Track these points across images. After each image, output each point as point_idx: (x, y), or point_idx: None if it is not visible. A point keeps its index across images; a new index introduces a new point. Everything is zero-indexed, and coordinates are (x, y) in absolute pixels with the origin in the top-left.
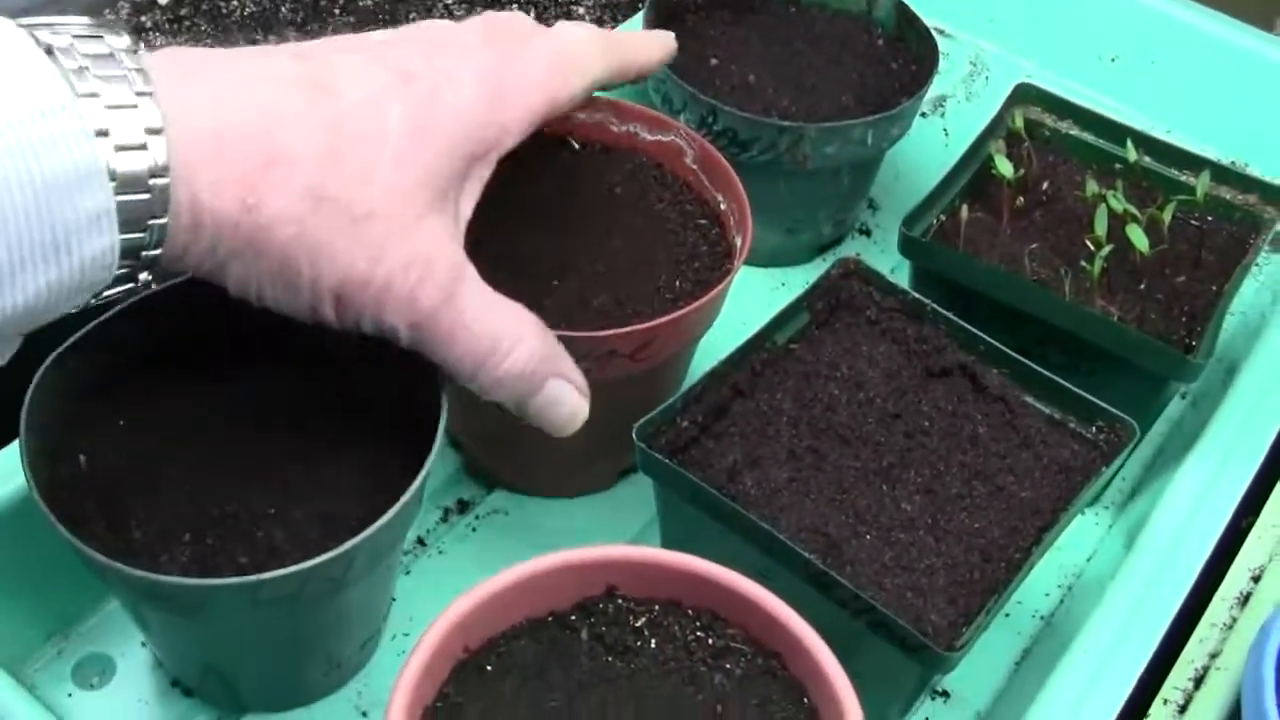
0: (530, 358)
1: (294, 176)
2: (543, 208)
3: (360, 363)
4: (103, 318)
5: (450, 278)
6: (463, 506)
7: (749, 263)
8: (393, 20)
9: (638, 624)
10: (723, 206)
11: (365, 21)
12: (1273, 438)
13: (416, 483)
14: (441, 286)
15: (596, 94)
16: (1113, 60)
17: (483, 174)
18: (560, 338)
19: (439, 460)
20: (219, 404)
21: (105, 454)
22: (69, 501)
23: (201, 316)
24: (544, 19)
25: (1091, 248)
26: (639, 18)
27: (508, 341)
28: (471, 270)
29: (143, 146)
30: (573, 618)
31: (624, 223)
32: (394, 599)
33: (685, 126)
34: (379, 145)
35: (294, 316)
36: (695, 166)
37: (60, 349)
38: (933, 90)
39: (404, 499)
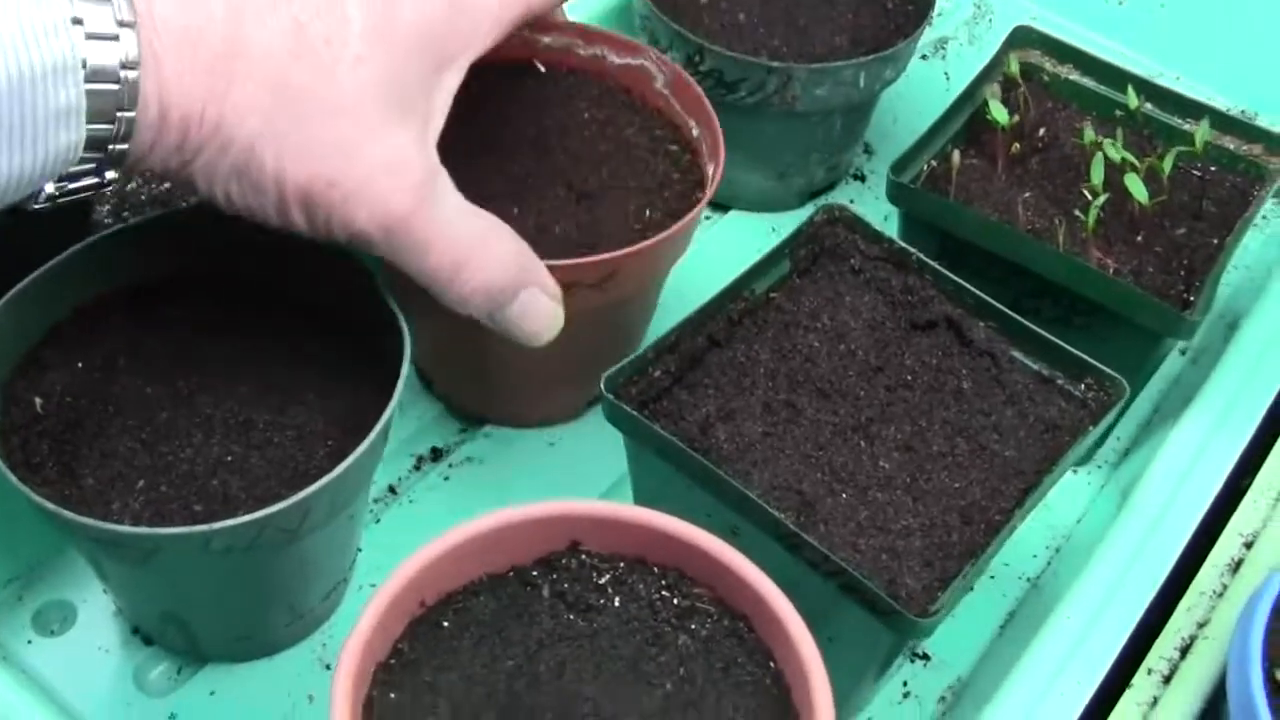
0: (505, 267)
1: (258, 69)
2: (504, 132)
3: (325, 304)
4: (55, 261)
5: (424, 181)
6: (436, 454)
7: (739, 207)
8: None
9: (601, 581)
10: (695, 133)
11: None
12: (1273, 397)
13: (373, 434)
14: (416, 190)
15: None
16: (1120, 2)
17: (452, 82)
18: None
19: (413, 406)
20: (179, 347)
21: (60, 398)
22: (23, 446)
23: (159, 258)
24: None
25: (1089, 197)
26: None
27: (482, 250)
28: (445, 177)
29: (114, 38)
30: (534, 573)
31: (590, 149)
32: (360, 549)
33: (656, 51)
34: (341, 45)
35: (263, 221)
36: (666, 92)
37: (12, 292)
38: (935, 32)
39: (360, 449)
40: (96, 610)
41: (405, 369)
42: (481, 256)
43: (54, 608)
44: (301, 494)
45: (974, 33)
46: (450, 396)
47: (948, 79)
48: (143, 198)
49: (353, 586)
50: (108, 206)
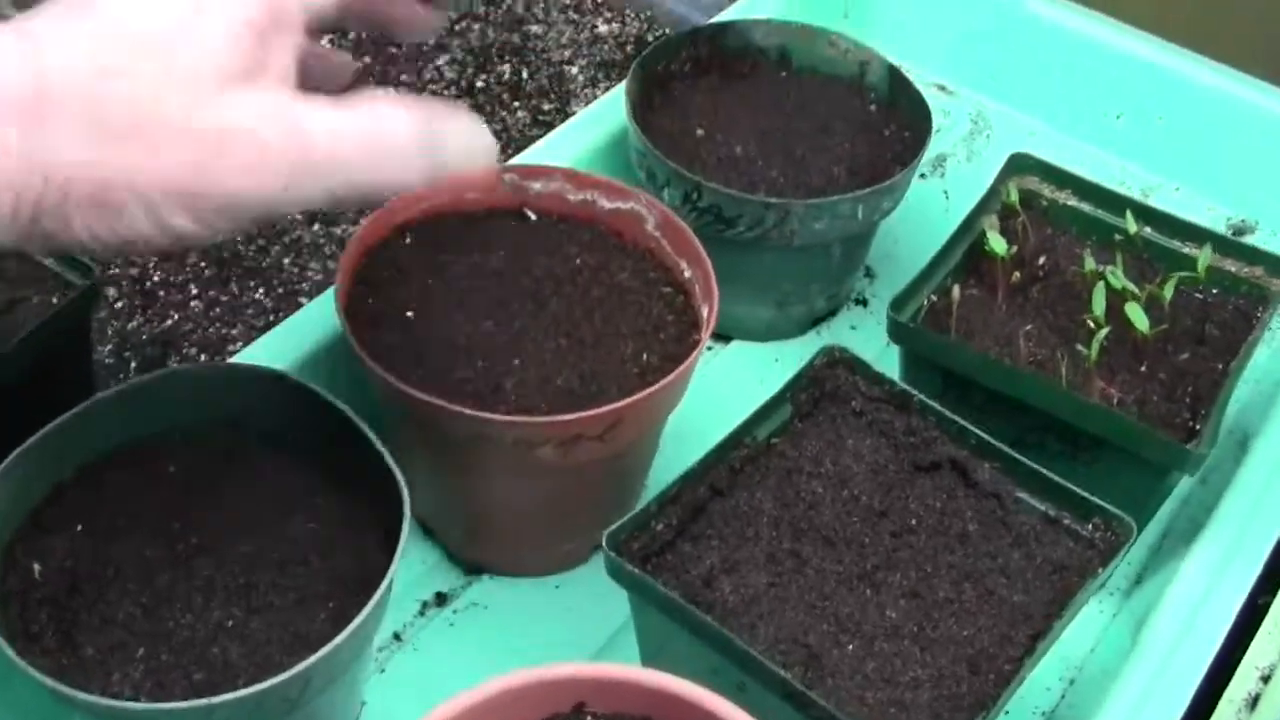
0: (418, 112)
1: (68, 104)
2: (498, 283)
3: (325, 456)
4: (58, 421)
5: (286, 112)
6: (441, 599)
7: (740, 337)
8: (382, 81)
9: None
10: (687, 274)
11: (356, 81)
12: None
13: (371, 602)
14: (286, 125)
15: (551, 164)
16: (1118, 118)
17: (285, 43)
18: (520, 425)
19: (416, 549)
20: (180, 505)
21: (60, 562)
22: (21, 614)
23: (160, 414)
24: (535, 78)
25: (1091, 325)
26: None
27: (385, 112)
28: (305, 101)
29: None
30: None
31: (585, 295)
32: (364, 702)
33: (646, 193)
34: (149, 43)
35: (166, 251)
36: (657, 234)
37: (10, 457)
38: (933, 149)
39: (358, 619)
40: None
41: (405, 531)
42: (390, 117)
43: None
44: (302, 665)
45: (972, 148)
46: (452, 547)
47: (947, 197)
48: (143, 336)
49: None
50: (109, 346)
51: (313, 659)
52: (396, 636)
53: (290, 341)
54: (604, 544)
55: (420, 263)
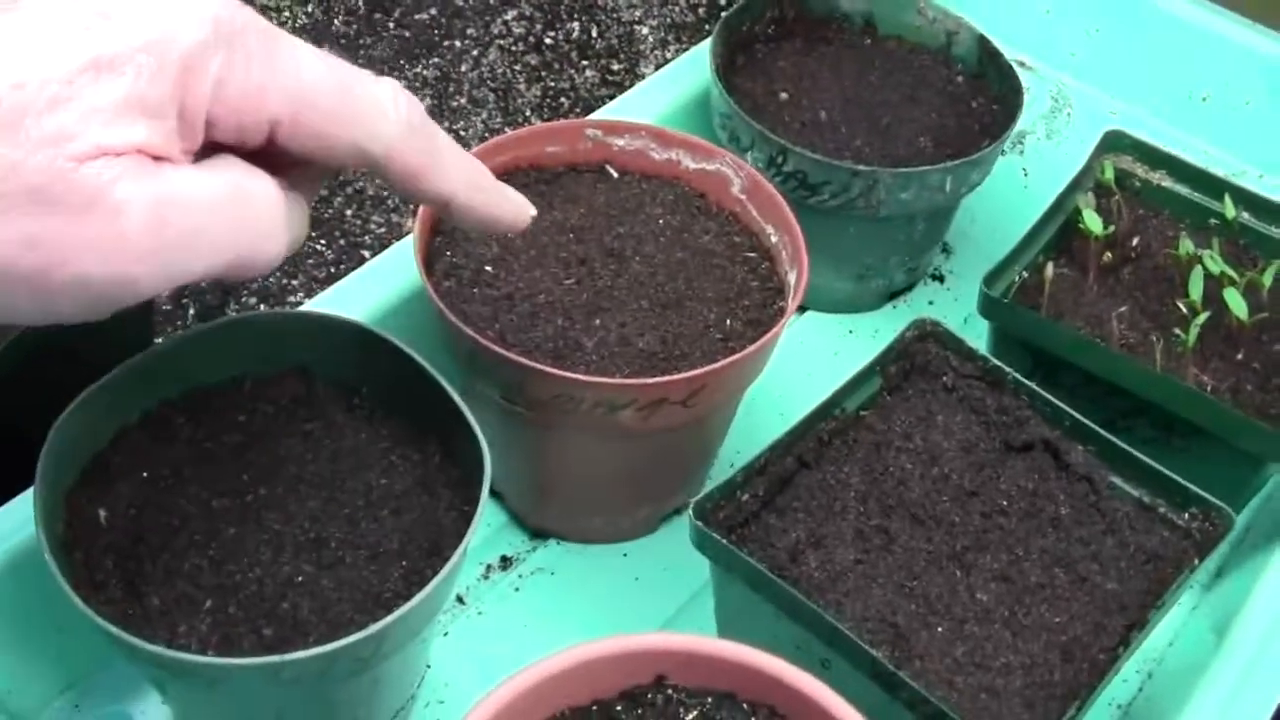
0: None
1: None
2: (578, 240)
3: (400, 412)
4: (123, 366)
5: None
6: (505, 563)
7: (816, 308)
8: (447, 35)
9: (688, 718)
10: (773, 239)
11: (419, 33)
12: None
13: (451, 561)
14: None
15: (636, 120)
16: (1204, 99)
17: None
18: (604, 386)
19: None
20: (248, 456)
21: (125, 510)
22: (86, 561)
23: (228, 362)
24: (605, 37)
25: (1184, 310)
26: (706, 44)
27: (246, 179)
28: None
29: None
30: (618, 708)
31: (667, 257)
32: (429, 666)
33: (732, 154)
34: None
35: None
36: (743, 196)
37: (79, 398)
38: None
39: (438, 577)
40: None
41: (485, 489)
42: (390, 94)
43: (111, 719)
44: (377, 625)
45: (1052, 127)
46: (519, 511)
47: (1026, 175)
48: (202, 284)
49: (419, 704)
50: (167, 293)
51: (389, 619)
52: (460, 599)
53: (363, 292)
54: (690, 513)
55: None
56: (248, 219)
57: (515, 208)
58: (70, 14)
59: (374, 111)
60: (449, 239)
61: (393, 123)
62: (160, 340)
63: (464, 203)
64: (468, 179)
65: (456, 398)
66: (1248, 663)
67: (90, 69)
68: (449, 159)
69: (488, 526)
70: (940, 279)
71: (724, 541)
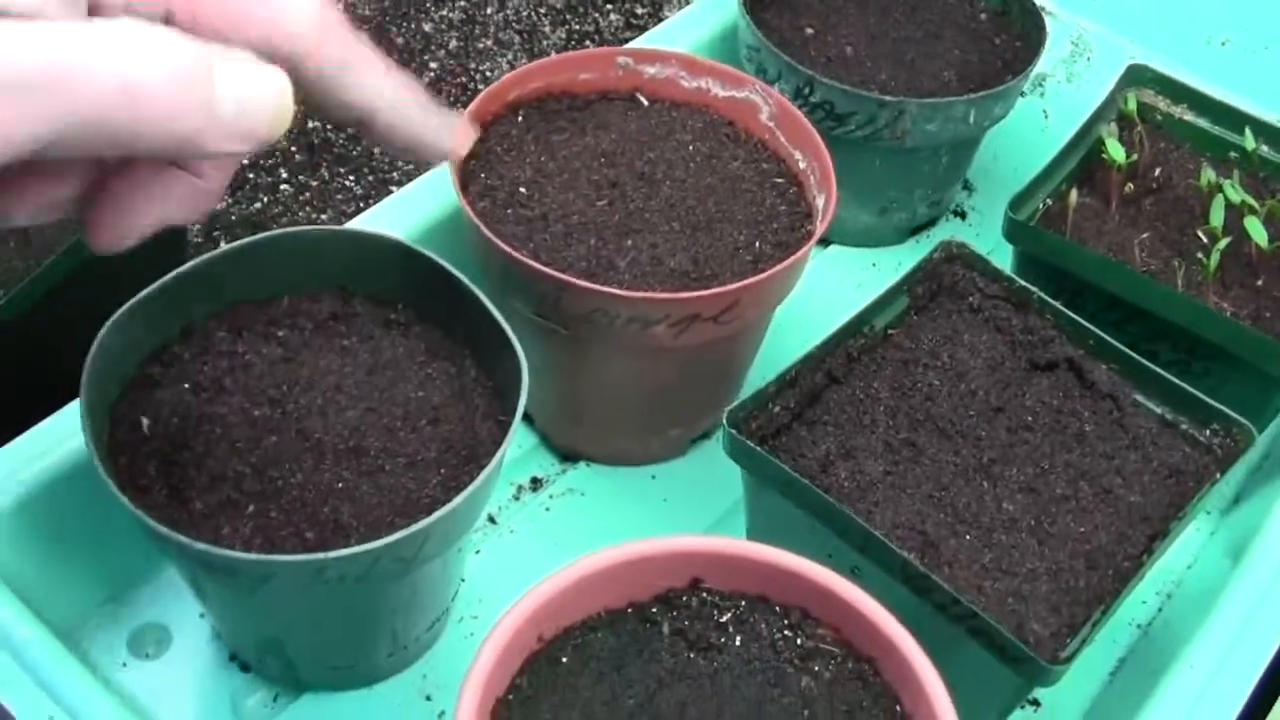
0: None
1: None
2: (610, 164)
3: (438, 327)
4: (165, 280)
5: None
6: (536, 484)
7: (839, 242)
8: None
9: (722, 619)
10: (801, 165)
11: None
12: None
13: (491, 465)
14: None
15: (665, 48)
16: (1223, 44)
17: None
18: (639, 300)
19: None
20: (287, 368)
21: (167, 418)
22: (130, 466)
23: (268, 278)
24: None
25: (1204, 240)
26: None
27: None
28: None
29: None
30: (654, 610)
31: (697, 182)
32: (463, 580)
33: (761, 82)
34: None
35: None
36: (771, 124)
37: (122, 310)
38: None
39: (483, 475)
40: (192, 634)
41: (522, 397)
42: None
43: (149, 631)
44: (421, 523)
45: (1072, 70)
46: (550, 434)
47: (1046, 116)
48: (233, 217)
49: (453, 618)
50: (198, 226)
51: (432, 518)
52: (491, 519)
53: (399, 214)
54: (724, 421)
55: (533, 141)
56: (142, 68)
57: (448, 129)
58: None
59: (282, 6)
60: (484, 162)
61: (305, 21)
62: (207, 253)
63: (387, 120)
64: (393, 91)
65: (493, 310)
66: (1264, 586)
67: None
68: (371, 67)
69: (518, 448)
70: (962, 215)
71: (758, 449)
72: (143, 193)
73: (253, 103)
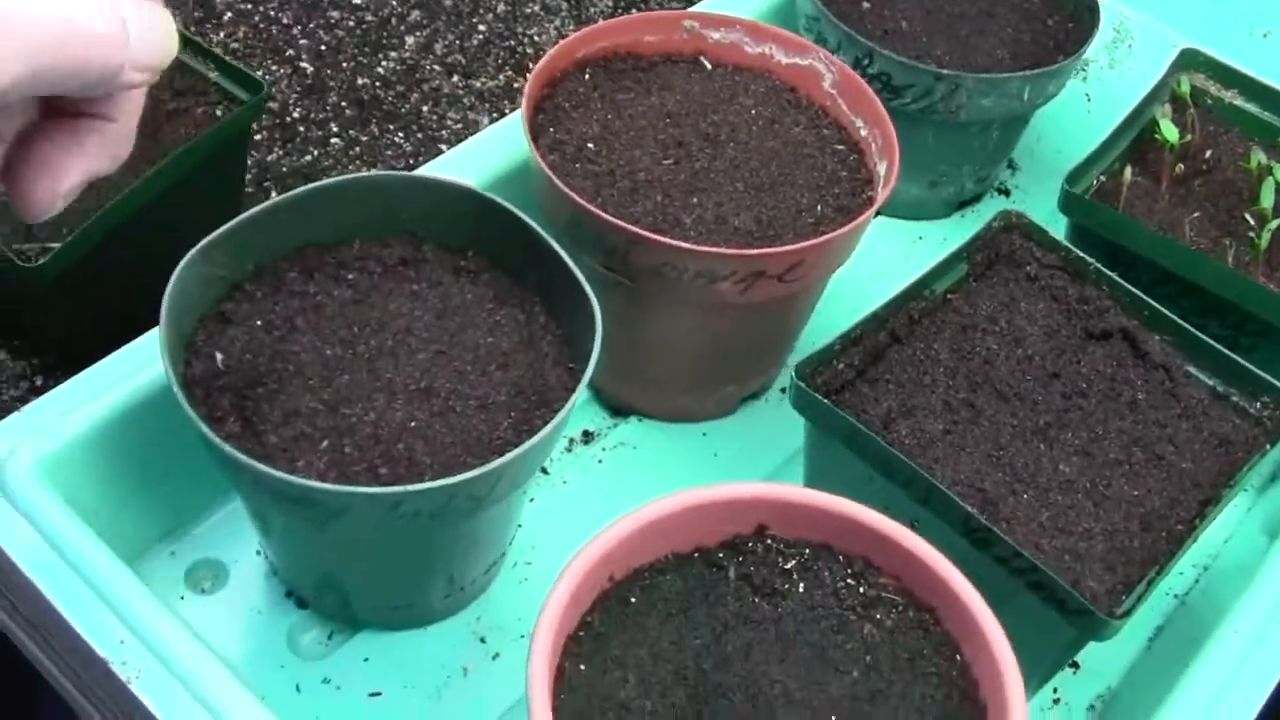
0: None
1: None
2: (674, 125)
3: (509, 274)
4: (238, 220)
5: None
6: (588, 437)
7: (885, 213)
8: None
9: (787, 566)
10: (863, 132)
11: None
12: None
13: (565, 408)
14: None
15: (729, 14)
16: (1264, 36)
17: None
18: (709, 255)
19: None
20: (359, 310)
21: (241, 354)
22: (205, 399)
23: (341, 222)
24: None
25: (1251, 221)
26: None
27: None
28: None
29: None
30: (720, 555)
31: (760, 145)
32: (520, 525)
33: (825, 50)
34: None
35: None
36: (834, 91)
37: (197, 248)
38: None
39: (559, 416)
40: (248, 571)
41: (597, 342)
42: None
43: (205, 566)
44: (496, 462)
45: (1114, 57)
46: (604, 388)
47: (1089, 100)
48: (284, 169)
49: (508, 563)
50: (249, 175)
51: (508, 456)
52: (544, 470)
53: (470, 163)
54: (793, 373)
55: (599, 99)
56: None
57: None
58: None
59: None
60: (551, 117)
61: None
62: (280, 196)
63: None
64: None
65: (565, 257)
66: None
67: None
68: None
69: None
70: (1006, 193)
71: (825, 401)
72: (63, 149)
73: (155, 33)
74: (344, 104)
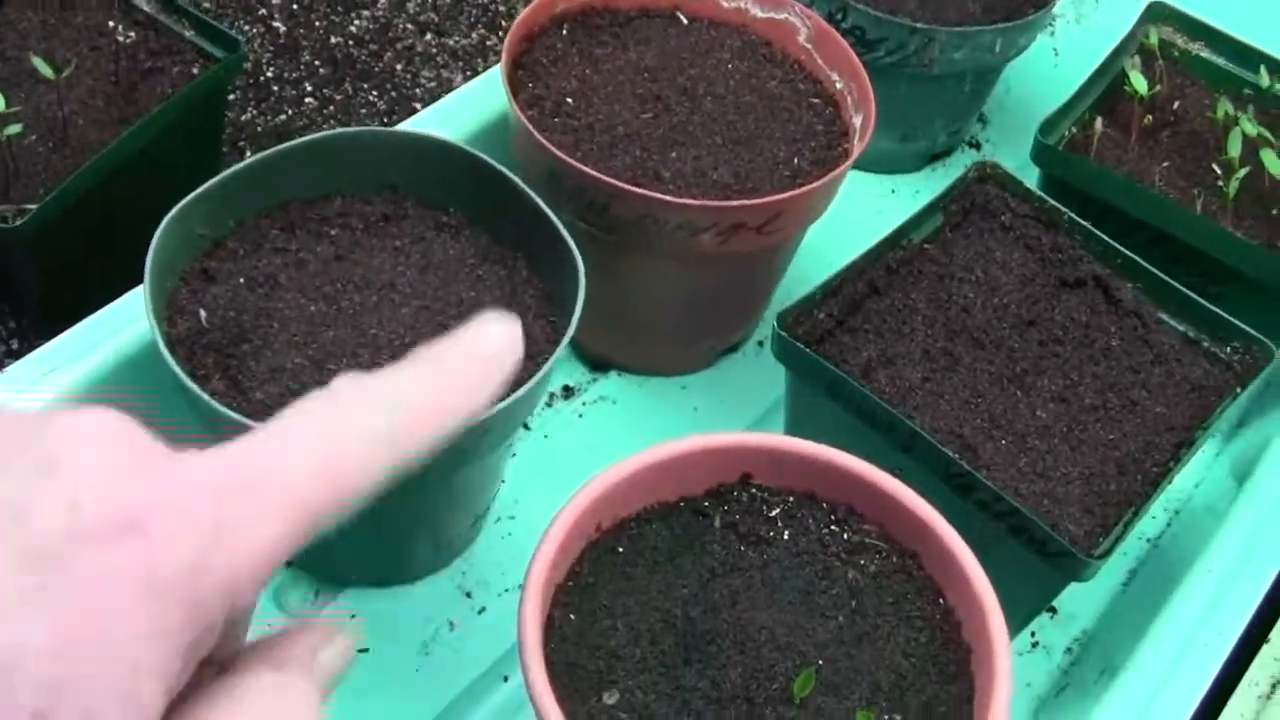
0: None
1: None
2: (652, 80)
3: (492, 230)
4: (220, 177)
5: None
6: (568, 392)
7: (858, 167)
8: None
9: (772, 514)
10: (838, 85)
11: None
12: None
13: (551, 360)
14: None
15: None
16: None
17: None
18: (689, 207)
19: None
20: (342, 266)
21: (224, 311)
22: (189, 357)
23: (322, 178)
24: None
25: (1218, 171)
26: None
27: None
28: None
29: None
30: (705, 504)
31: (737, 99)
32: (503, 480)
33: (800, 4)
34: None
35: None
36: (809, 45)
37: (178, 206)
38: None
39: (542, 371)
40: None
41: (581, 293)
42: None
43: None
44: (482, 416)
45: (1080, 11)
46: (584, 342)
47: (1056, 55)
48: (258, 129)
49: (492, 517)
50: (224, 134)
51: (494, 410)
52: (525, 425)
53: (448, 119)
54: (775, 324)
55: (577, 54)
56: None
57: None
58: None
59: (366, 471)
60: (529, 72)
61: (386, 455)
62: (260, 153)
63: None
64: (471, 392)
65: (548, 211)
66: (1266, 509)
67: None
68: (445, 410)
69: None
70: (977, 146)
71: (807, 350)
72: None
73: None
74: (317, 63)
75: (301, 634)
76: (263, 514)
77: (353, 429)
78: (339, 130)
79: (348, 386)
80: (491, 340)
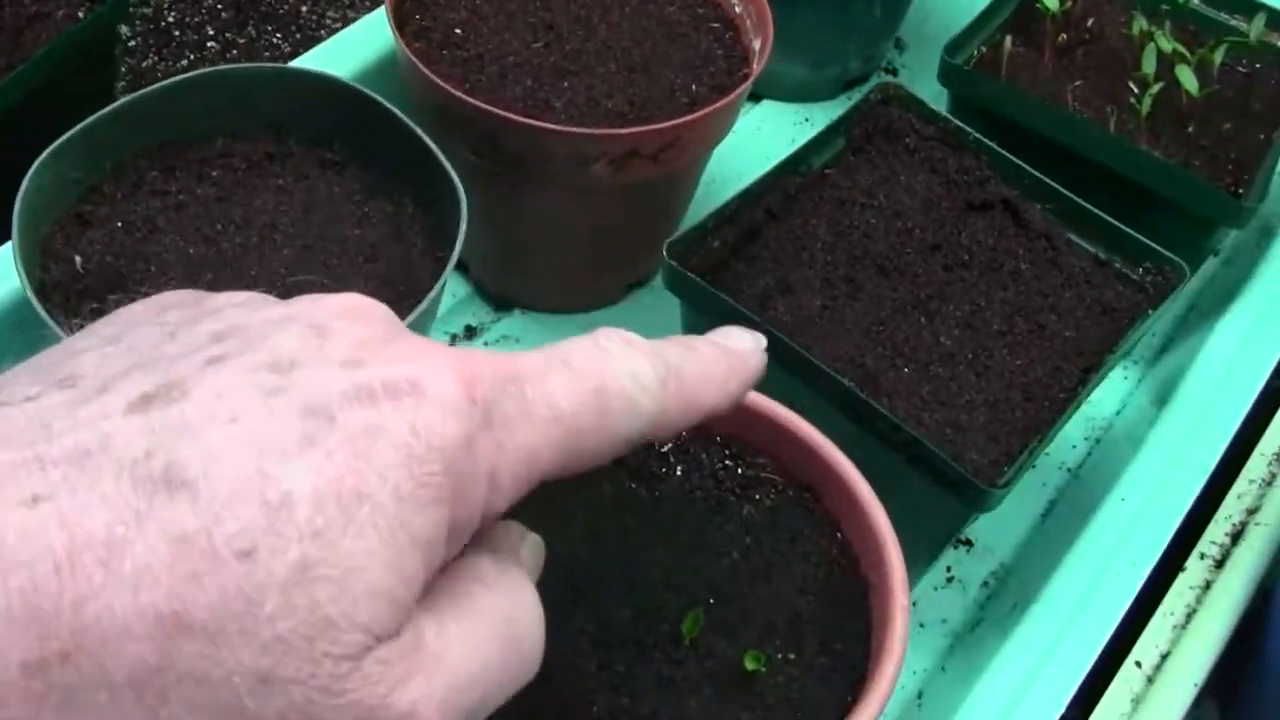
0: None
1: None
2: (544, 7)
3: (375, 168)
4: (94, 117)
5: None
6: (470, 332)
7: (772, 96)
8: None
9: (663, 449)
10: (737, 9)
11: None
12: None
13: (426, 300)
14: None
15: None
16: None
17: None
18: (578, 136)
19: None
20: (222, 207)
21: (101, 256)
22: (64, 304)
23: (201, 117)
24: None
25: (1135, 90)
26: None
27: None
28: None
29: None
30: None
31: (634, 26)
32: None
33: None
34: None
35: None
36: None
37: (51, 148)
38: None
39: (424, 303)
40: None
41: (462, 227)
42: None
43: None
44: None
45: None
46: (485, 283)
47: None
48: (159, 75)
49: None
50: (123, 84)
51: None
52: None
53: (336, 56)
54: (664, 253)
55: None
56: (520, 656)
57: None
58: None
59: (630, 407)
60: (417, 4)
61: (650, 401)
62: (137, 92)
63: (732, 404)
64: (723, 382)
65: (430, 143)
66: (1185, 432)
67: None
68: (702, 388)
69: (452, 297)
70: (893, 72)
71: (698, 280)
72: None
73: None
74: (219, 6)
75: (505, 525)
76: (529, 419)
77: (618, 366)
78: (216, 68)
79: (613, 334)
80: (737, 340)
